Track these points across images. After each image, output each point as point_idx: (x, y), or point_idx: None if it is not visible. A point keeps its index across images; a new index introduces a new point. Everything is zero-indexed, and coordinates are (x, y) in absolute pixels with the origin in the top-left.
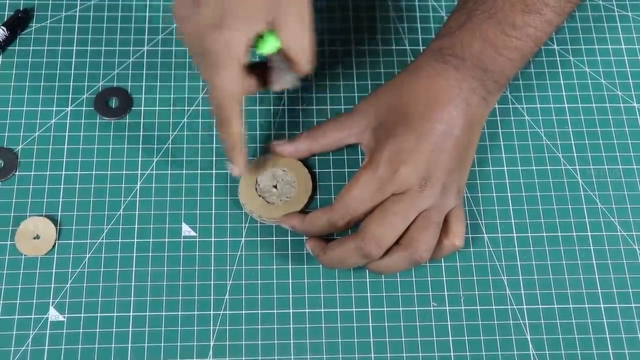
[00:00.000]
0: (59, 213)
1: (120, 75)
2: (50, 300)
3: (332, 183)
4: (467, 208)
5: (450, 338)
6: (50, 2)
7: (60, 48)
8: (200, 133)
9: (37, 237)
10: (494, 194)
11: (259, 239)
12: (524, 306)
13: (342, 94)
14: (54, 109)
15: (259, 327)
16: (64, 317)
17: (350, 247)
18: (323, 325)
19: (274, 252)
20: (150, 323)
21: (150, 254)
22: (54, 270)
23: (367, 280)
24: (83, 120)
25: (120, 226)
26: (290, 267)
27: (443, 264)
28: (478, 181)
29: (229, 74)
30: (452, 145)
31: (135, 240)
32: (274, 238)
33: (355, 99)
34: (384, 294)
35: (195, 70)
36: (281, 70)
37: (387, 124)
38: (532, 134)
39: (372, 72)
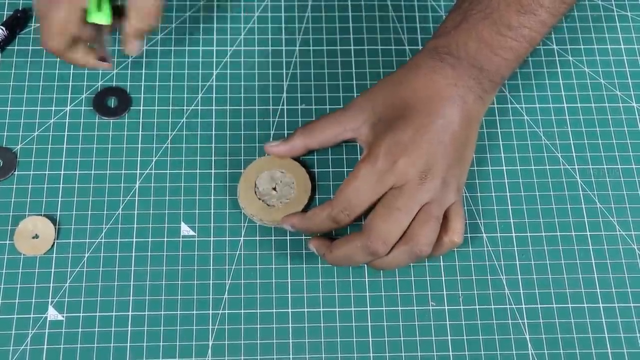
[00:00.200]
0: (58, 212)
1: (119, 75)
2: (49, 300)
3: (330, 182)
4: (466, 207)
5: (449, 337)
6: None
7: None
8: (199, 133)
9: (36, 236)
10: (493, 194)
11: (257, 238)
12: (523, 306)
13: (342, 93)
14: (53, 108)
15: (258, 326)
16: (63, 316)
17: (356, 245)
18: (322, 324)
19: (273, 252)
20: (149, 322)
21: (149, 254)
22: (52, 270)
23: (366, 279)
24: (82, 120)
25: (119, 225)
26: (289, 266)
27: (442, 263)
28: (477, 181)
29: (62, 10)
30: (450, 140)
31: (134, 239)
32: (273, 237)
33: None
34: (383, 294)
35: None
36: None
37: (385, 119)
38: (531, 133)
39: (372, 72)
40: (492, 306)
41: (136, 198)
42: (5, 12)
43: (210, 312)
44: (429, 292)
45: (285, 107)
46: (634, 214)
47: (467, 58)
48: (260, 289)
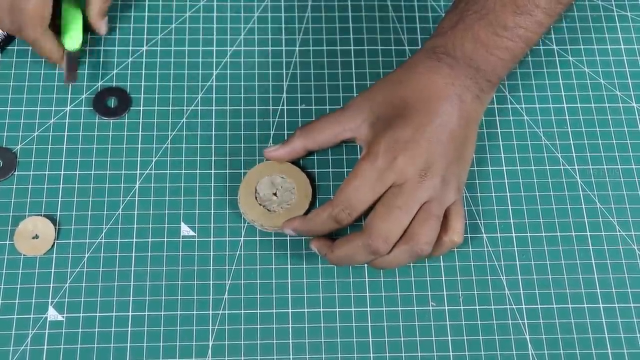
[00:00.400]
0: (58, 213)
1: (119, 75)
2: (49, 300)
3: (331, 183)
4: (466, 208)
5: (449, 338)
6: None
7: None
8: (199, 133)
9: (36, 236)
10: (493, 194)
11: (257, 238)
12: (523, 306)
13: (341, 93)
14: (53, 108)
15: (258, 326)
16: (63, 316)
17: (357, 244)
18: (322, 324)
19: (273, 252)
20: (149, 323)
21: (149, 254)
22: (52, 270)
23: (366, 279)
24: (82, 120)
25: (119, 226)
26: (289, 266)
27: (442, 263)
28: (477, 181)
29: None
30: (449, 139)
31: (134, 240)
32: (273, 238)
33: None
34: (383, 294)
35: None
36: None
37: (384, 118)
38: (531, 133)
39: (371, 72)
40: (492, 306)
41: (136, 198)
42: None
43: (211, 312)
44: (429, 293)
45: (285, 107)
46: (634, 214)
47: (463, 58)
48: (261, 289)
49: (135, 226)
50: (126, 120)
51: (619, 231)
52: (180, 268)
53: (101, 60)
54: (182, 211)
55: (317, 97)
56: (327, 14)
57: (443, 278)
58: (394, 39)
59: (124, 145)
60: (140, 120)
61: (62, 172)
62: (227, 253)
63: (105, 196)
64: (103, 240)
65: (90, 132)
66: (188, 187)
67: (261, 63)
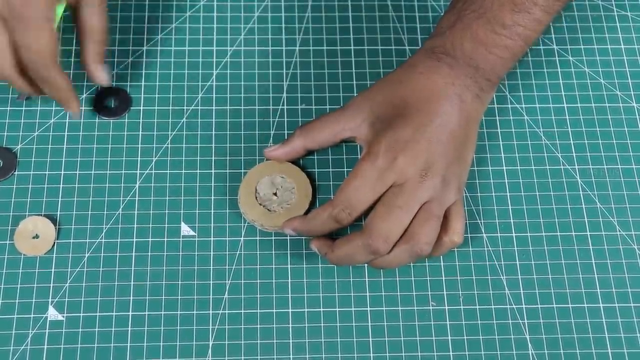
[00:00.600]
0: (58, 212)
1: (119, 75)
2: (50, 300)
3: (331, 182)
4: (466, 207)
5: (449, 337)
6: None
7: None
8: (199, 133)
9: (36, 236)
10: (493, 194)
11: (258, 238)
12: (523, 306)
13: (341, 93)
14: (53, 108)
15: (258, 326)
16: (63, 316)
17: (357, 244)
18: (322, 324)
19: (273, 252)
20: (149, 322)
21: (149, 254)
22: (53, 270)
23: (366, 279)
24: (82, 120)
25: (119, 226)
26: (289, 266)
27: (442, 263)
28: (477, 181)
29: (43, 33)
30: (449, 138)
31: (134, 239)
32: (273, 238)
33: None
34: (383, 294)
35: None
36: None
37: (384, 118)
38: (531, 133)
39: (372, 72)
40: (493, 306)
41: (136, 198)
42: None
43: (211, 312)
44: (429, 292)
45: (285, 107)
46: (634, 214)
47: (463, 57)
48: (261, 289)
49: (135, 226)
50: (126, 120)
51: (619, 231)
52: (180, 268)
53: None
54: (182, 211)
55: (317, 97)
56: (327, 13)
57: (443, 278)
58: (394, 39)
59: (124, 145)
60: (141, 120)
61: (62, 172)
62: (227, 253)
63: (105, 196)
64: (103, 240)
65: (91, 132)
66: (188, 186)
67: (261, 63)
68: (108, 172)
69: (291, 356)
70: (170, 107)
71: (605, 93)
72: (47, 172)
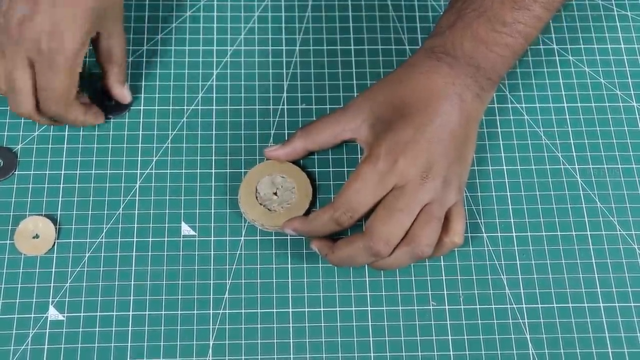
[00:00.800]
0: (59, 212)
1: None
2: (50, 300)
3: (331, 183)
4: (466, 207)
5: (450, 337)
6: None
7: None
8: (199, 132)
9: (37, 236)
10: (493, 194)
11: (258, 238)
12: (523, 305)
13: (342, 93)
14: None
15: (259, 326)
16: (64, 316)
17: (358, 246)
18: (322, 324)
19: (273, 251)
20: (149, 322)
21: (149, 253)
22: (53, 270)
23: (367, 279)
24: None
25: (120, 225)
26: (289, 266)
27: (442, 263)
28: (477, 180)
29: (69, 80)
30: (449, 138)
31: (135, 239)
32: (274, 237)
33: None
34: (383, 293)
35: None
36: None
37: (384, 119)
38: (531, 133)
39: (372, 72)
40: (493, 306)
41: (137, 198)
42: None
43: (211, 311)
44: (430, 292)
45: (285, 107)
46: (634, 213)
47: (463, 57)
48: (261, 289)
49: (135, 226)
50: (126, 120)
51: (620, 230)
52: (180, 267)
53: None
54: (182, 211)
55: (318, 97)
56: (328, 13)
57: (443, 277)
58: (394, 39)
59: (125, 145)
60: (141, 120)
61: (63, 172)
62: (227, 252)
63: (105, 196)
64: (103, 240)
65: (91, 131)
66: (188, 186)
67: (261, 62)
68: (108, 171)
69: (292, 356)
70: (171, 107)
71: (605, 93)
72: (47, 172)
